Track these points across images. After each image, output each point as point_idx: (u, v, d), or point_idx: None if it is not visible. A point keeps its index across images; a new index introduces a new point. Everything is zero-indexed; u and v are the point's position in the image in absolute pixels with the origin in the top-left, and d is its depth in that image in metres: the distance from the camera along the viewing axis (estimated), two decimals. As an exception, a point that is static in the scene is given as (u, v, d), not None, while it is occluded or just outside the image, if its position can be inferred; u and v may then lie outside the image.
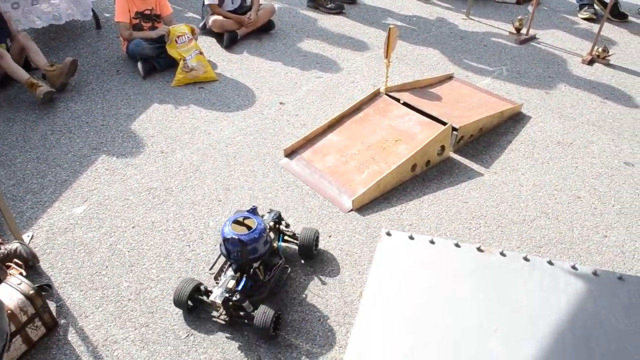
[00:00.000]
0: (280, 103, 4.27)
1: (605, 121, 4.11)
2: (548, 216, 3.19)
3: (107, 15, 5.63)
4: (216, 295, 2.40)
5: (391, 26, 3.73)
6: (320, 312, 2.57)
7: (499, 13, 6.11)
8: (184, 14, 5.91)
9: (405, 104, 3.88)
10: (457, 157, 3.67)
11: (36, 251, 2.80)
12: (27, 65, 4.40)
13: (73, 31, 5.31)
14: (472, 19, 5.94)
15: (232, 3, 5.28)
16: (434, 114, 3.72)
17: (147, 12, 4.69)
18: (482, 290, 2.09)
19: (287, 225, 2.88)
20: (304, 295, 2.65)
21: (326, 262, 2.84)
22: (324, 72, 4.76)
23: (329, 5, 5.98)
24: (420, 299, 2.08)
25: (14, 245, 2.68)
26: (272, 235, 2.72)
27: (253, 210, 2.63)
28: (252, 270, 2.51)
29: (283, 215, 2.91)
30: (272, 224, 2.75)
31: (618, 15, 5.95)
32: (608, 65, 4.97)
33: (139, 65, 4.58)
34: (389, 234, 2.32)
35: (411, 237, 2.29)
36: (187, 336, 2.45)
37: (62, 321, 2.51)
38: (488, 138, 3.87)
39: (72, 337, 2.44)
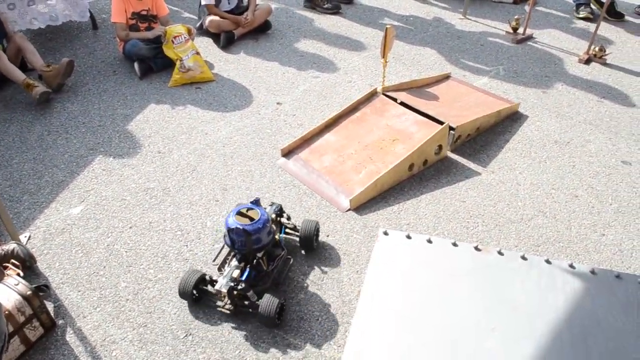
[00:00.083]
0: (277, 103, 4.27)
1: (603, 120, 4.12)
2: (546, 215, 3.20)
3: (103, 16, 5.61)
4: (221, 285, 2.46)
5: (388, 26, 3.73)
6: (319, 312, 2.57)
7: (496, 13, 6.12)
8: (180, 14, 5.90)
9: (402, 103, 3.88)
10: (455, 157, 3.67)
11: (33, 252, 2.79)
12: (24, 66, 4.39)
13: (69, 32, 5.30)
14: (469, 19, 5.95)
15: (229, 3, 5.28)
16: (431, 113, 3.72)
17: (144, 12, 4.68)
18: (479, 289, 2.09)
19: (289, 218, 2.93)
20: (302, 295, 2.65)
21: (324, 262, 2.84)
22: (321, 72, 4.76)
23: (325, 5, 5.99)
24: (418, 298, 2.08)
25: (11, 246, 2.67)
26: (274, 227, 2.76)
27: (256, 202, 2.67)
28: (255, 260, 2.56)
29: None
30: (273, 216, 2.81)
31: (615, 15, 5.96)
32: (605, 64, 4.98)
33: (136, 65, 4.57)
34: (386, 233, 2.32)
35: (408, 237, 2.29)
36: (186, 336, 2.45)
37: (60, 321, 2.50)
38: (485, 137, 3.87)
39: (70, 337, 2.44)
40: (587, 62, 5.01)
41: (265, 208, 2.78)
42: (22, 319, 2.28)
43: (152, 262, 2.83)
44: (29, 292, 2.32)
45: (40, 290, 2.49)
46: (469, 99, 4.18)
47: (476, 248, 2.23)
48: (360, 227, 3.07)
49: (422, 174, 3.50)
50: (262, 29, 5.43)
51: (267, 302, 2.40)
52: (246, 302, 2.48)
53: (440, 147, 3.55)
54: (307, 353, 2.38)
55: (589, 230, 3.10)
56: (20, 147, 3.68)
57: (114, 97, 4.29)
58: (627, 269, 2.84)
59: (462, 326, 1.95)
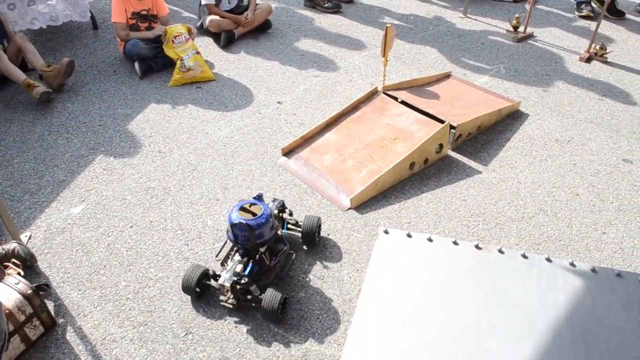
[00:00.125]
0: (278, 102, 4.26)
1: (604, 118, 4.11)
2: (547, 213, 3.19)
3: (104, 15, 5.61)
4: (225, 279, 2.49)
5: (388, 25, 3.72)
6: (319, 310, 2.57)
7: (496, 11, 6.11)
8: (180, 14, 5.90)
9: (403, 102, 3.88)
10: (456, 155, 3.67)
11: (34, 251, 2.79)
12: (24, 66, 4.39)
13: (70, 32, 5.31)
14: (469, 17, 5.94)
15: (229, 3, 5.28)
16: (431, 112, 3.72)
17: (144, 12, 4.68)
18: (480, 288, 2.09)
19: (291, 214, 2.97)
20: (302, 293, 2.65)
21: (325, 260, 2.84)
22: (321, 71, 4.75)
23: (326, 5, 5.98)
24: (418, 296, 2.08)
25: (11, 245, 2.68)
26: (276, 222, 2.79)
27: (259, 197, 2.70)
28: (258, 255, 2.59)
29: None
30: (276, 212, 2.84)
31: (615, 13, 5.95)
32: (606, 62, 4.98)
33: (136, 65, 4.57)
34: (386, 232, 2.32)
35: (409, 235, 2.29)
36: (186, 334, 2.45)
37: (61, 320, 2.50)
38: (486, 136, 3.87)
39: (71, 336, 2.44)
40: (588, 60, 5.00)
41: (267, 204, 2.79)
42: (22, 317, 2.28)
43: (153, 261, 2.83)
44: (29, 291, 2.32)
45: (40, 289, 2.50)
46: (469, 98, 4.18)
47: (477, 246, 2.23)
48: (361, 225, 3.07)
49: (423, 173, 3.50)
50: (263, 28, 5.43)
51: (270, 296, 2.42)
52: (249, 297, 2.51)
53: (441, 145, 3.55)
54: (308, 351, 2.38)
55: (590, 228, 3.09)
56: (21, 147, 3.68)
57: (115, 97, 4.29)
58: (628, 267, 2.83)
59: (462, 325, 1.95)
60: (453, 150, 3.70)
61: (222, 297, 2.57)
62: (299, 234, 2.91)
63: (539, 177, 3.48)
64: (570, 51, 5.19)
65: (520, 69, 4.83)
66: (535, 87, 4.53)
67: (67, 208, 3.17)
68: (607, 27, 5.70)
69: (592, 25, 5.70)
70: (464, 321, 1.97)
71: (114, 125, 3.93)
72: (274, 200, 2.93)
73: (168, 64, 4.56)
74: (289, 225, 2.95)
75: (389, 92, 3.98)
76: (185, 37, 4.49)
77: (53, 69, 4.20)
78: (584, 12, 5.98)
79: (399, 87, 4.11)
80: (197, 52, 4.53)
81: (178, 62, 4.42)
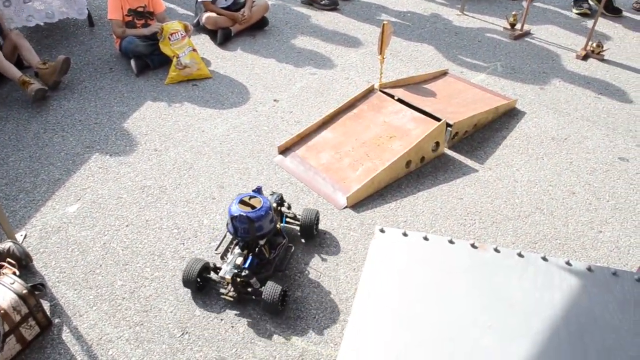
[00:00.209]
0: (274, 100, 4.26)
1: (600, 116, 4.12)
2: (543, 212, 3.20)
3: (100, 13, 5.59)
4: (225, 272, 2.52)
5: (385, 22, 3.72)
6: (315, 309, 2.56)
7: (493, 9, 6.11)
8: (177, 11, 5.88)
9: (399, 100, 3.87)
10: (452, 154, 3.66)
11: (29, 250, 2.78)
12: (20, 64, 4.38)
13: (66, 29, 5.28)
14: (466, 15, 5.93)
15: (226, 0, 5.26)
16: (428, 110, 3.71)
17: (140, 9, 4.66)
18: (476, 287, 2.09)
19: (289, 207, 3.00)
20: (299, 293, 2.65)
21: (321, 259, 2.83)
22: (318, 68, 4.74)
23: (323, 2, 5.97)
24: (414, 296, 2.07)
25: (7, 244, 2.67)
26: (275, 216, 2.81)
27: (258, 190, 2.72)
28: (257, 248, 2.61)
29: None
30: (274, 205, 2.86)
31: (612, 10, 5.96)
32: (602, 60, 4.98)
33: (132, 62, 4.56)
34: (382, 230, 2.31)
35: (405, 234, 2.28)
36: (182, 334, 2.44)
37: (56, 320, 2.50)
38: (483, 134, 3.87)
39: (67, 336, 2.43)
40: (585, 58, 5.00)
41: (266, 197, 2.80)
42: (18, 318, 2.28)
43: (149, 261, 2.82)
44: (24, 291, 2.32)
45: (36, 289, 2.49)
46: (466, 96, 4.17)
47: (473, 245, 2.22)
48: (357, 224, 3.07)
49: (419, 171, 3.49)
50: (259, 25, 5.41)
51: (270, 288, 2.45)
52: (249, 290, 2.53)
53: (437, 144, 3.55)
54: (304, 351, 2.38)
55: (586, 227, 3.10)
56: (16, 145, 3.67)
57: (111, 95, 4.27)
58: (624, 265, 2.84)
59: (458, 324, 1.95)
60: (449, 148, 3.70)
61: (222, 290, 2.59)
62: (297, 228, 2.94)
63: (535, 176, 3.48)
64: (567, 49, 5.19)
65: (517, 67, 4.83)
66: (531, 85, 4.53)
67: (63, 207, 3.16)
68: (604, 25, 5.70)
69: (589, 22, 5.71)
70: (460, 320, 1.96)
71: (110, 123, 3.92)
72: (273, 193, 2.95)
73: (164, 62, 4.55)
74: (288, 219, 2.97)
75: (385, 90, 3.97)
76: (181, 34, 4.48)
77: (49, 66, 4.18)
78: (581, 10, 5.98)
79: (395, 84, 4.10)
80: (194, 50, 4.52)
81: (174, 60, 4.41)
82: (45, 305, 2.52)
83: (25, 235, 2.95)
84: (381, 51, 3.83)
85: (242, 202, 2.57)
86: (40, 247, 2.89)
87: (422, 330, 1.94)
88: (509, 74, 4.71)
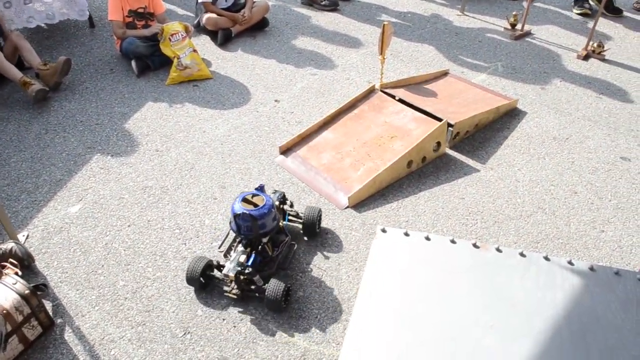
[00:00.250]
0: (275, 100, 4.26)
1: (601, 116, 4.12)
2: (545, 211, 3.20)
3: (100, 14, 5.59)
4: (229, 269, 2.52)
5: (385, 22, 3.72)
6: (317, 309, 2.56)
7: (494, 9, 6.11)
8: (177, 12, 5.88)
9: (400, 100, 3.87)
10: (453, 153, 3.66)
11: (31, 251, 2.78)
12: (21, 65, 4.38)
13: (66, 30, 5.29)
14: (466, 15, 5.94)
15: (226, 1, 5.26)
16: (429, 110, 3.71)
17: (141, 10, 4.67)
18: (478, 287, 2.09)
19: (291, 205, 3.01)
20: (300, 292, 2.65)
21: (323, 259, 2.83)
22: (318, 69, 4.75)
23: (323, 2, 5.97)
24: (416, 295, 2.07)
25: (9, 245, 2.66)
26: (278, 214, 2.82)
27: (261, 188, 2.75)
28: (260, 246, 2.63)
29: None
30: (277, 203, 2.87)
31: (613, 10, 5.95)
32: (603, 60, 4.98)
33: (133, 63, 4.56)
34: (384, 230, 2.31)
35: (406, 234, 2.28)
36: (184, 334, 2.44)
37: (59, 320, 2.50)
38: (484, 134, 3.87)
39: (69, 336, 2.43)
40: (586, 58, 5.00)
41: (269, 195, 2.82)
42: (20, 318, 2.28)
43: (151, 261, 2.82)
44: (27, 291, 2.32)
45: (38, 289, 2.48)
46: (467, 96, 4.17)
47: (474, 245, 2.22)
48: (359, 224, 3.07)
49: (421, 171, 3.49)
50: (260, 26, 5.42)
51: (274, 286, 2.46)
52: (252, 287, 2.54)
53: (438, 143, 3.55)
54: (306, 351, 2.38)
55: (588, 226, 3.10)
56: (18, 146, 3.67)
57: (112, 96, 4.28)
58: (627, 265, 2.84)
59: (460, 324, 1.95)
60: (451, 148, 3.70)
61: (225, 288, 2.60)
62: (300, 226, 2.94)
63: (537, 175, 3.48)
64: (568, 49, 5.19)
65: (517, 67, 4.83)
66: (532, 85, 4.53)
67: (65, 207, 3.17)
68: (604, 25, 5.70)
69: (589, 22, 5.71)
70: (462, 320, 1.96)
71: (111, 124, 3.92)
72: (275, 191, 2.96)
73: (165, 62, 4.55)
74: (290, 217, 2.99)
75: (386, 90, 3.97)
76: (182, 35, 4.48)
77: (50, 67, 4.18)
78: (582, 10, 5.98)
79: (396, 85, 4.10)
80: (194, 50, 4.52)
81: (175, 60, 4.41)
82: (48, 305, 2.53)
83: (28, 236, 2.96)
84: (382, 51, 3.83)
85: (245, 200, 2.59)
86: (42, 247, 2.89)
87: (424, 330, 1.94)
88: (509, 74, 4.71)
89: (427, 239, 2.27)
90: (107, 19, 4.71)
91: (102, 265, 2.79)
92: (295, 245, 2.84)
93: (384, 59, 3.88)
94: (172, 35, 4.43)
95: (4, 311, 2.21)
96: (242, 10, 5.18)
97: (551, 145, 3.77)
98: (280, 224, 2.80)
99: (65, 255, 2.84)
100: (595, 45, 5.01)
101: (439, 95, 4.12)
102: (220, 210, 3.15)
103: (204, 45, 5.12)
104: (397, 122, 3.71)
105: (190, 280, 2.59)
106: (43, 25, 4.83)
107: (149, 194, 3.27)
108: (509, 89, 4.45)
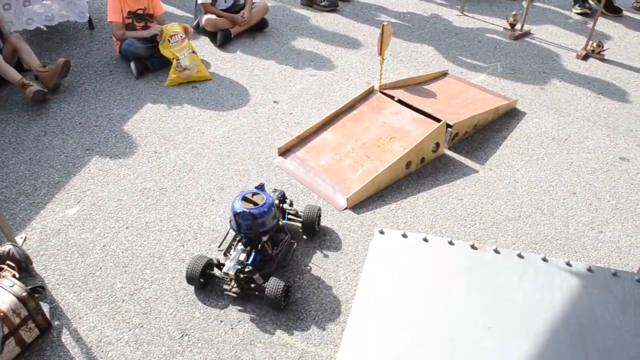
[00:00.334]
0: (274, 102, 4.25)
1: (600, 116, 4.11)
2: (543, 212, 3.19)
3: (99, 15, 5.59)
4: (229, 268, 2.52)
5: (385, 23, 3.71)
6: (315, 311, 2.56)
7: (493, 9, 6.10)
8: (176, 13, 5.88)
9: (399, 101, 3.87)
10: (452, 154, 3.66)
11: (29, 253, 2.78)
12: (20, 67, 4.37)
13: (66, 32, 5.28)
14: (466, 15, 5.93)
15: (225, 2, 5.26)
16: (428, 111, 3.71)
17: (140, 11, 4.67)
18: (476, 288, 2.08)
19: (291, 204, 3.02)
20: (298, 294, 2.64)
21: (321, 260, 2.83)
22: (318, 70, 4.74)
23: (322, 3, 5.97)
24: (414, 297, 2.07)
25: (6, 247, 2.66)
26: (278, 212, 2.83)
27: (261, 187, 2.76)
28: (260, 245, 2.64)
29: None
30: (276, 202, 2.88)
31: (612, 10, 5.95)
32: (603, 60, 4.97)
33: (132, 65, 4.56)
34: (382, 232, 2.31)
35: (404, 235, 2.27)
36: (182, 336, 2.44)
37: (56, 323, 2.49)
38: (483, 134, 3.86)
39: (66, 338, 2.43)
40: (585, 58, 5.00)
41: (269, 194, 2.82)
42: (17, 320, 2.27)
43: (149, 263, 2.82)
44: (24, 294, 2.31)
45: (35, 292, 2.48)
46: (466, 96, 4.17)
47: (472, 246, 2.22)
48: (358, 225, 3.06)
49: (420, 172, 3.49)
50: (259, 27, 5.41)
51: (274, 284, 2.47)
52: (252, 285, 2.55)
53: (437, 144, 3.54)
54: (304, 353, 2.37)
55: (586, 227, 3.09)
56: (17, 148, 3.67)
57: (111, 97, 4.28)
58: (625, 266, 2.83)
59: (458, 325, 1.94)
60: (450, 149, 3.69)
61: (225, 287, 2.61)
62: (299, 225, 2.95)
63: (535, 176, 3.47)
64: (567, 49, 5.18)
65: (517, 67, 4.82)
66: (532, 85, 4.52)
67: (63, 209, 3.16)
68: (604, 25, 5.70)
69: (589, 22, 5.70)
70: (460, 321, 1.96)
71: (110, 126, 3.92)
72: (275, 190, 2.97)
73: (164, 64, 4.55)
74: (290, 216, 2.99)
75: (385, 91, 3.97)
76: (181, 36, 4.48)
77: (49, 69, 4.18)
78: (581, 10, 5.97)
79: (395, 85, 4.10)
80: (193, 52, 4.52)
81: (174, 62, 4.41)
82: (45, 307, 2.52)
83: (25, 238, 2.95)
84: (381, 52, 3.83)
85: (245, 198, 2.60)
86: (40, 249, 2.89)
87: (422, 331, 1.94)
88: (509, 74, 4.70)
89: (425, 240, 2.27)
90: (107, 21, 4.71)
91: (100, 268, 2.79)
92: (295, 244, 2.85)
93: (383, 59, 3.88)
94: (171, 36, 4.43)
95: (1, 313, 2.21)
96: (242, 12, 5.18)
97: (550, 145, 3.76)
98: (280, 222, 2.81)
99: (63, 258, 2.84)
100: (594, 45, 5.01)
101: (438, 95, 4.11)
102: (218, 211, 3.15)
103: (203, 46, 5.12)
104: (396, 123, 3.71)
105: (190, 279, 2.60)
106: (42, 27, 4.83)
107: (147, 196, 3.27)
108: (508, 89, 4.44)
